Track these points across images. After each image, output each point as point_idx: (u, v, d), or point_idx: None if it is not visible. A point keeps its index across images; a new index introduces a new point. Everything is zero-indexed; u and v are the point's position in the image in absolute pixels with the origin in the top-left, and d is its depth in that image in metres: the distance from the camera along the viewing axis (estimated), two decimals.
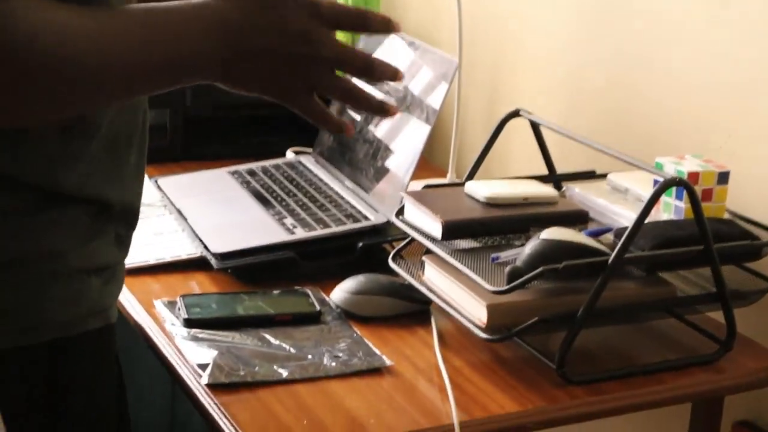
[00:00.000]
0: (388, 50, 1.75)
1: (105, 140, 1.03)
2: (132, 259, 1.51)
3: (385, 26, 1.00)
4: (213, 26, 0.95)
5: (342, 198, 1.67)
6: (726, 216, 1.41)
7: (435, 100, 1.61)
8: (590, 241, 1.28)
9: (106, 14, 0.93)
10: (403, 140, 1.65)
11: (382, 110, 1.02)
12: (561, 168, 1.58)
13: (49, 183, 0.99)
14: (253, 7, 0.97)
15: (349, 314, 1.41)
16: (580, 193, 1.50)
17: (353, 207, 1.63)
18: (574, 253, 1.24)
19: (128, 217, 1.09)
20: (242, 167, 1.82)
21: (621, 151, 1.36)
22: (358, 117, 1.75)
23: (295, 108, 1.01)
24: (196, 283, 1.51)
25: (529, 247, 1.26)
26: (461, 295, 1.30)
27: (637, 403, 1.28)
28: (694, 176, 1.38)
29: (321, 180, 1.75)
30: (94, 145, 1.01)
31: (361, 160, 1.72)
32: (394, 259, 1.45)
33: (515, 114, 1.51)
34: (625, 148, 1.63)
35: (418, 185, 1.86)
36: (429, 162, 2.05)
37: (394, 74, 1.00)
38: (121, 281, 1.12)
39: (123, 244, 1.10)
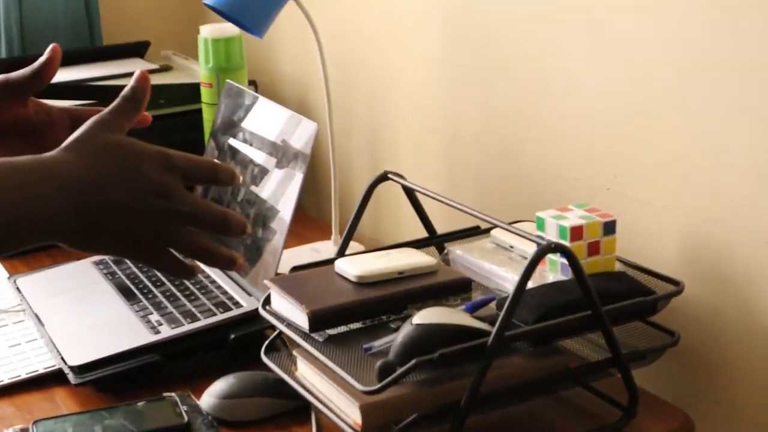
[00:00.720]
0: (257, 114, 1.63)
1: None
2: None
3: (231, 179, 0.99)
4: (61, 184, 0.89)
5: (213, 283, 1.53)
6: (618, 267, 1.30)
7: (299, 167, 1.49)
8: (468, 320, 1.16)
9: None
10: (271, 213, 1.52)
11: (232, 264, 0.99)
12: (449, 223, 1.47)
13: None
14: (103, 160, 0.93)
15: (221, 421, 1.28)
16: (462, 256, 1.38)
17: (225, 293, 1.50)
18: (451, 337, 1.12)
19: None
20: (110, 257, 1.68)
21: (502, 205, 1.26)
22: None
23: (145, 262, 0.96)
24: (59, 400, 1.38)
25: (401, 336, 1.13)
26: (334, 393, 1.18)
27: None
28: (578, 230, 1.26)
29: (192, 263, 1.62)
30: None
31: (230, 238, 1.59)
32: (267, 352, 1.32)
33: (384, 178, 1.39)
34: (511, 199, 1.54)
35: (301, 252, 1.76)
36: (312, 218, 1.95)
37: (243, 230, 0.98)
38: None
39: None
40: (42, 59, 1.09)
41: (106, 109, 0.98)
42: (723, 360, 1.30)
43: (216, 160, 0.98)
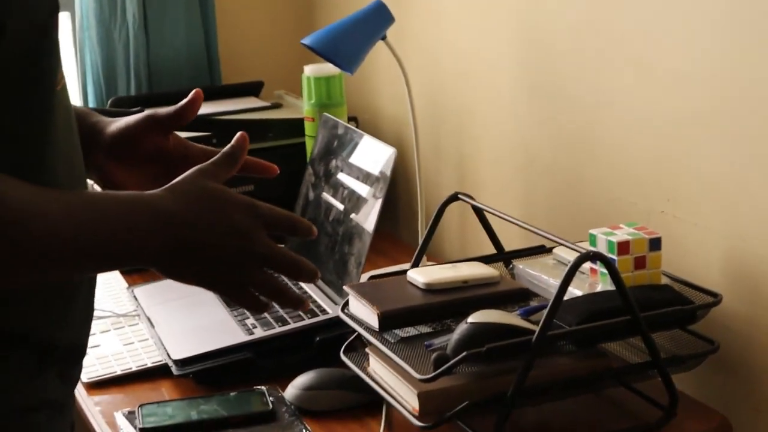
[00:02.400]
0: (348, 142, 1.79)
1: (53, 287, 1.05)
2: (99, 371, 1.58)
3: (308, 232, 1.07)
4: (159, 219, 0.99)
5: (304, 293, 1.69)
6: (664, 281, 1.41)
7: (380, 190, 1.64)
8: (517, 321, 1.29)
9: (67, 198, 0.97)
10: (357, 231, 1.67)
11: (299, 305, 1.07)
12: (519, 243, 1.60)
13: None
14: (199, 204, 1.02)
15: (302, 410, 1.43)
16: (524, 270, 1.51)
17: (313, 301, 1.65)
18: (500, 334, 1.25)
19: (74, 355, 1.11)
20: None
21: (570, 225, 1.37)
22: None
23: (225, 296, 1.06)
24: (164, 390, 1.54)
25: (457, 333, 1.27)
26: (398, 384, 1.32)
27: None
28: (625, 245, 1.38)
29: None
30: (42, 292, 1.03)
31: (323, 253, 1.75)
32: (345, 351, 1.47)
33: (454, 198, 1.53)
34: (576, 221, 1.65)
35: (389, 270, 1.90)
36: (405, 244, 2.09)
37: (313, 277, 1.06)
38: (69, 414, 1.12)
39: (69, 380, 1.11)
40: (187, 99, 1.20)
41: (209, 161, 1.09)
42: (761, 368, 1.39)
43: (295, 215, 1.09)
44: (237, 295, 1.05)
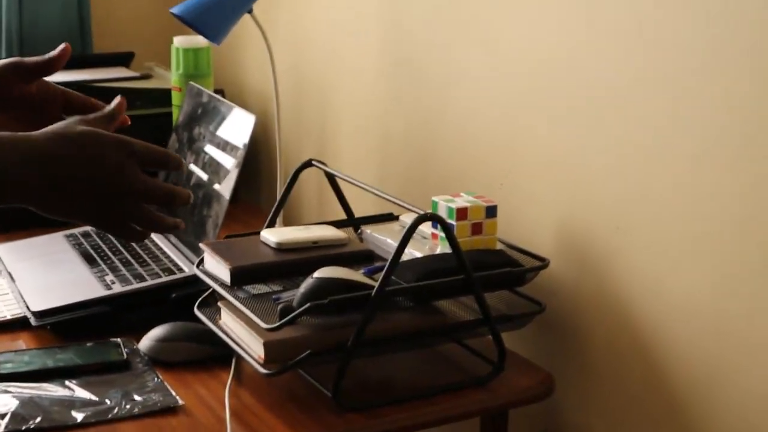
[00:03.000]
0: (211, 110, 1.85)
1: None
2: None
3: (178, 165, 1.17)
4: (31, 157, 1.05)
5: (164, 253, 1.75)
6: (499, 246, 1.52)
7: (239, 156, 1.71)
8: (360, 278, 1.37)
9: None
10: (215, 195, 1.74)
11: (178, 227, 1.17)
12: (371, 210, 1.69)
13: None
14: (72, 143, 1.08)
15: (156, 361, 1.49)
16: (371, 234, 1.60)
17: (171, 261, 1.72)
18: (342, 289, 1.33)
19: None
20: (78, 230, 1.91)
21: (419, 196, 1.45)
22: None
23: (108, 232, 1.14)
24: (22, 342, 1.58)
25: (303, 287, 1.35)
26: (246, 335, 1.39)
27: (410, 425, 1.36)
28: (463, 211, 1.48)
29: (149, 238, 1.84)
30: None
31: (182, 216, 1.80)
32: (199, 307, 1.53)
33: (308, 164, 1.61)
34: (425, 191, 1.75)
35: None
36: (263, 212, 2.16)
37: (187, 201, 1.16)
38: None
39: None
40: (55, 52, 1.26)
41: (90, 115, 1.17)
42: (586, 330, 1.50)
43: (168, 150, 1.17)
44: (116, 229, 1.12)
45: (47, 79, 1.30)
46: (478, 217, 1.49)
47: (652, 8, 1.33)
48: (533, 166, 1.56)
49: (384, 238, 1.57)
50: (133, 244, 1.80)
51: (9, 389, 1.40)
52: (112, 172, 1.09)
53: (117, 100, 1.21)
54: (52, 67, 1.27)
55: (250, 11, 1.88)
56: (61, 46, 1.27)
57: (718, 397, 1.30)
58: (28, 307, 1.60)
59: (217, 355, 1.51)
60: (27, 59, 1.27)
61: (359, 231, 1.64)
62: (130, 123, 1.26)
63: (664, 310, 1.36)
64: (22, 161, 1.05)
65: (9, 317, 1.63)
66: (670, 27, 1.30)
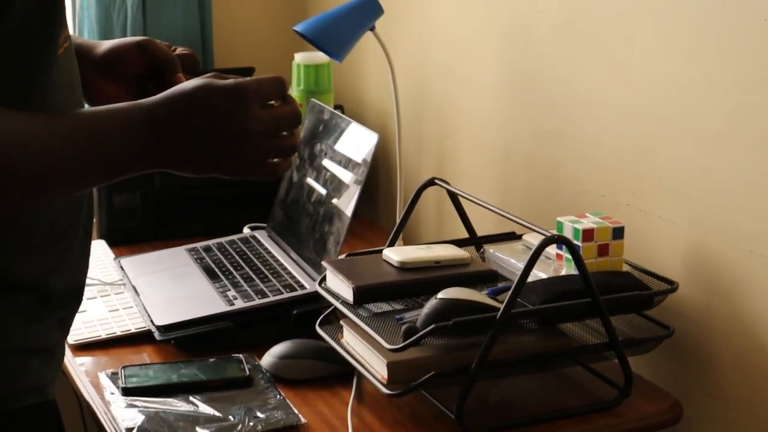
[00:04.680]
0: (332, 128, 1.85)
1: (50, 232, 1.10)
2: (85, 335, 1.63)
3: (286, 87, 1.10)
4: (140, 123, 1.03)
5: (285, 269, 1.76)
6: (625, 268, 1.48)
7: (361, 174, 1.70)
8: (484, 299, 1.35)
9: (50, 121, 1.02)
10: (337, 212, 1.74)
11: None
12: (493, 230, 1.67)
13: None
14: (185, 100, 1.05)
15: (277, 378, 1.49)
16: (494, 254, 1.58)
17: (293, 277, 1.72)
18: (467, 310, 1.32)
19: (71, 302, 1.16)
20: (200, 244, 1.92)
21: (541, 215, 1.43)
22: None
23: (245, 179, 1.09)
24: (146, 355, 1.60)
25: (427, 307, 1.33)
26: (369, 354, 1.38)
27: None
28: (590, 233, 1.45)
29: (269, 253, 1.84)
30: (39, 237, 1.09)
31: (303, 232, 1.81)
32: (321, 324, 1.53)
33: (431, 183, 1.59)
34: (548, 210, 1.72)
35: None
36: (383, 229, 2.15)
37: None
38: (59, 361, 1.17)
39: (64, 327, 1.16)
40: (187, 51, 1.26)
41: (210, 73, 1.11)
42: (715, 355, 1.46)
43: (276, 76, 1.11)
44: (252, 173, 1.09)
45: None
46: (605, 238, 1.46)
47: None
48: (660, 187, 1.52)
49: (507, 258, 1.55)
50: (255, 260, 1.81)
51: (135, 403, 1.42)
52: (231, 120, 1.05)
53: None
54: (176, 66, 1.24)
55: (372, 28, 1.88)
56: (192, 52, 1.27)
57: None
58: (152, 321, 1.61)
59: (338, 373, 1.50)
60: (157, 45, 1.25)
61: (481, 250, 1.62)
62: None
63: None
64: (140, 128, 1.03)
65: (133, 330, 1.65)
66: None
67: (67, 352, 1.59)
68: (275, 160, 1.10)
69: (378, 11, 1.88)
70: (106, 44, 1.26)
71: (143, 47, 1.25)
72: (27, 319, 1.09)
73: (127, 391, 1.45)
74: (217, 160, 1.07)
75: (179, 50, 1.28)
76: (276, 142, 1.09)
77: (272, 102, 1.09)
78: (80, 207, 1.15)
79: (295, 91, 2.12)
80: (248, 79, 1.08)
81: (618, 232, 1.46)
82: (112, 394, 1.45)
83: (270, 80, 1.09)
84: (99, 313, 1.71)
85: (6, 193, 0.98)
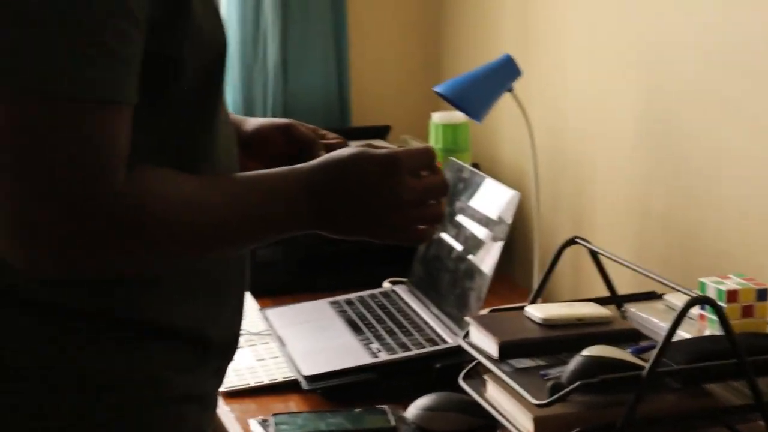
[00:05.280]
0: (472, 186, 1.90)
1: (210, 283, 1.16)
2: (235, 382, 1.70)
3: (436, 157, 1.16)
4: (301, 188, 1.09)
5: (426, 323, 1.80)
6: None
7: (501, 231, 1.75)
8: (629, 357, 1.37)
9: (220, 183, 1.09)
10: (476, 269, 1.78)
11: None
12: (632, 289, 1.69)
13: (160, 319, 1.12)
14: (338, 168, 1.11)
15: (422, 429, 1.53)
16: (636, 313, 1.60)
17: (434, 331, 1.76)
18: (612, 368, 1.34)
19: (227, 352, 1.22)
20: (342, 297, 1.99)
21: (680, 274, 1.45)
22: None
23: (395, 242, 1.16)
24: (293, 404, 1.66)
25: (572, 363, 1.36)
26: (514, 409, 1.41)
27: None
28: (734, 294, 1.46)
29: (410, 307, 1.89)
30: (199, 288, 1.15)
31: (444, 288, 1.86)
32: (464, 378, 1.57)
33: (572, 242, 1.62)
34: (688, 271, 1.73)
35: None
36: (519, 285, 2.18)
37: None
38: (215, 406, 1.24)
39: (220, 375, 1.23)
40: (331, 135, 1.32)
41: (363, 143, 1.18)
42: None
43: (427, 146, 1.17)
44: (402, 238, 1.15)
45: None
46: (749, 299, 1.47)
47: None
48: None
49: (648, 317, 1.56)
50: (396, 314, 1.86)
51: None
52: (383, 188, 1.10)
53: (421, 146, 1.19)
54: (318, 151, 1.29)
55: (510, 90, 1.92)
56: (341, 138, 1.32)
57: None
58: (299, 371, 1.67)
59: (481, 426, 1.53)
60: (301, 130, 1.31)
61: (622, 309, 1.64)
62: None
63: None
64: (302, 194, 1.09)
65: (280, 379, 1.71)
66: None
67: (219, 398, 1.66)
68: (422, 226, 1.15)
69: (516, 73, 1.93)
70: (251, 123, 1.34)
71: (287, 132, 1.32)
72: (187, 367, 1.14)
73: None
74: (368, 225, 1.13)
75: (331, 137, 1.34)
76: (424, 211, 1.14)
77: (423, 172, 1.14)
78: (238, 261, 1.21)
79: None
80: (400, 149, 1.14)
81: (762, 294, 1.47)
82: None
83: (420, 151, 1.15)
84: (247, 362, 1.78)
85: (177, 249, 1.04)
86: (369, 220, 1.12)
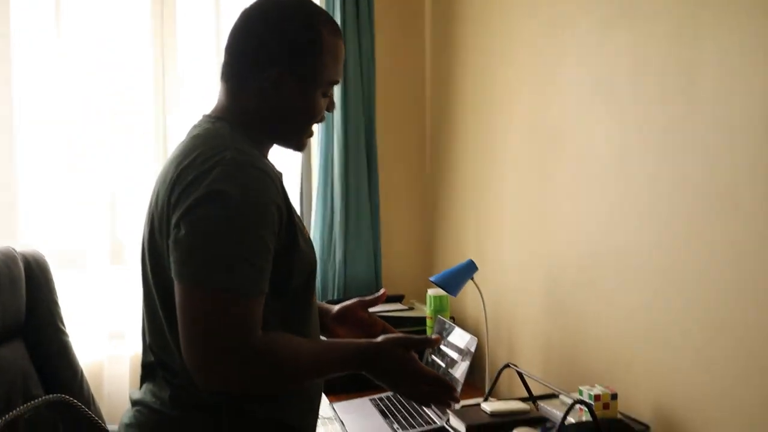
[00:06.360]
0: (451, 332, 1.99)
1: (305, 397, 1.20)
2: None
3: (436, 343, 1.19)
4: (355, 356, 1.14)
5: (424, 411, 1.85)
6: (619, 416, 1.55)
7: (467, 357, 1.83)
8: None
9: (312, 345, 1.13)
10: (455, 378, 1.84)
11: (454, 399, 1.17)
12: (541, 390, 1.75)
13: (282, 418, 1.16)
14: (376, 348, 1.14)
15: None
16: (543, 407, 1.67)
17: (429, 416, 1.82)
18: None
19: None
20: (376, 396, 2.02)
21: (570, 382, 1.51)
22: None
23: (408, 398, 1.16)
24: None
25: None
26: None
27: None
28: (598, 396, 1.54)
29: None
30: (299, 396, 1.20)
31: None
32: None
33: (507, 366, 1.70)
34: (573, 379, 1.78)
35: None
36: (478, 388, 2.20)
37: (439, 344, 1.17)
38: None
39: None
40: (377, 295, 1.33)
41: (410, 336, 1.15)
42: None
43: (425, 336, 1.16)
44: (413, 396, 1.15)
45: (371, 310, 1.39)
46: (607, 399, 1.54)
47: None
48: (642, 363, 1.57)
49: (551, 409, 1.63)
50: (407, 405, 1.91)
51: None
52: (398, 367, 1.14)
53: (435, 336, 1.19)
54: (376, 303, 1.35)
55: (471, 278, 2.04)
56: (382, 290, 1.35)
57: None
58: None
59: None
60: (366, 298, 1.34)
61: (536, 404, 1.71)
62: (441, 343, 1.31)
63: None
64: (355, 360, 1.14)
65: None
66: None
67: None
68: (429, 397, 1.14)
69: (474, 269, 2.03)
70: (336, 307, 1.37)
71: (360, 302, 1.36)
72: None
73: None
74: (391, 385, 1.15)
75: (380, 322, 1.37)
76: (435, 391, 1.14)
77: None
78: (319, 384, 1.27)
79: (427, 310, 2.26)
80: (417, 337, 1.14)
81: (614, 396, 1.55)
82: None
83: (421, 340, 1.16)
84: None
85: (286, 380, 1.11)
86: (395, 384, 1.14)
